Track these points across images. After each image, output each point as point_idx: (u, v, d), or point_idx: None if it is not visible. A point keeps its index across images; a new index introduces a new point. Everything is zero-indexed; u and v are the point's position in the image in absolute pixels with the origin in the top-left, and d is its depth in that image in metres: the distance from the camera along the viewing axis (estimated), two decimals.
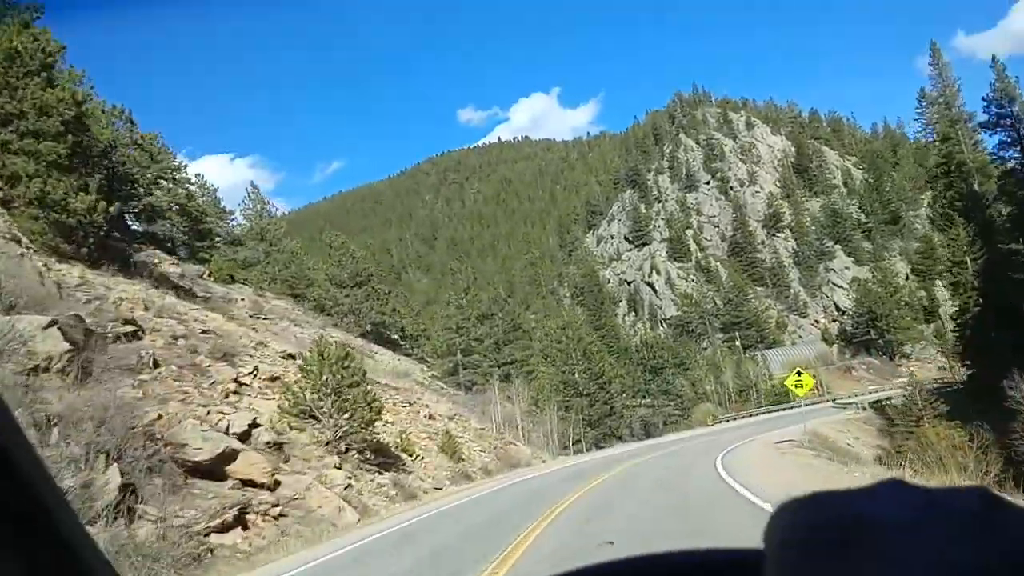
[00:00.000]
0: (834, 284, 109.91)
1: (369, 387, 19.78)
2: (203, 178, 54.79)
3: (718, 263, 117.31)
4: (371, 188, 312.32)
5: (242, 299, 40.71)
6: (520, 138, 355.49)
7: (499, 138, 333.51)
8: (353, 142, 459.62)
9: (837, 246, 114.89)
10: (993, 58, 33.17)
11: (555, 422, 41.19)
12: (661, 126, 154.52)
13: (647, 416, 64.38)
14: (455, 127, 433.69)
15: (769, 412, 67.36)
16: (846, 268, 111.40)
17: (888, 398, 62.86)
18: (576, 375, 43.87)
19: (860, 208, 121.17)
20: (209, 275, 43.68)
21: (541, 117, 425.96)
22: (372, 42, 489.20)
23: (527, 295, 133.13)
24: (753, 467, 17.39)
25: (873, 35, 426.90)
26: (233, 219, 59.62)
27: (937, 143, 40.10)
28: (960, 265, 36.26)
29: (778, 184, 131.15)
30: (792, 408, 72.35)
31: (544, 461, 32.45)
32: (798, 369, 25.85)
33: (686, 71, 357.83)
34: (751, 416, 64.58)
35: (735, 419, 63.08)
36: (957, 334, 54.64)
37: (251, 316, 35.02)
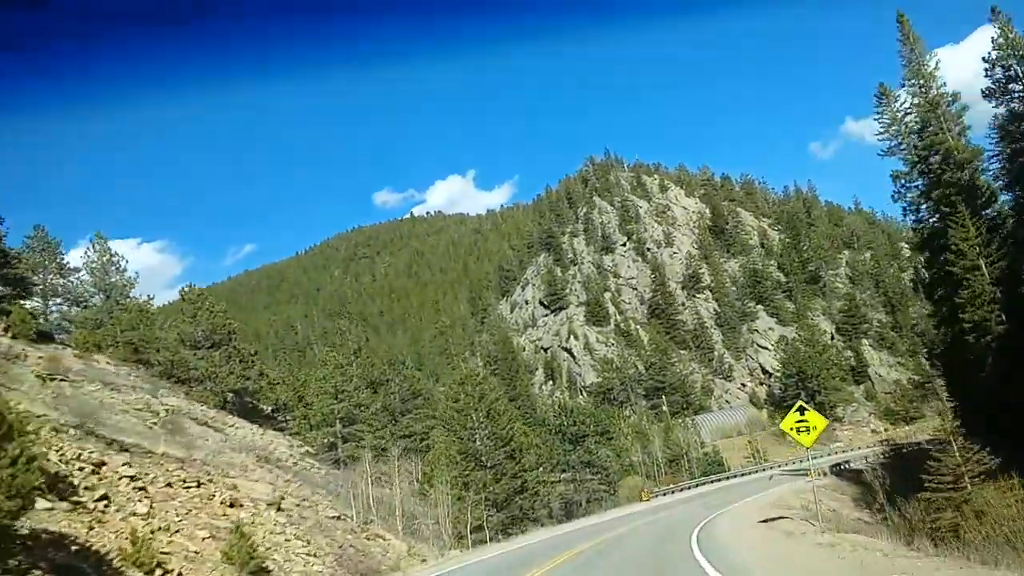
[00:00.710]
0: (759, 345, 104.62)
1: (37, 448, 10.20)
2: (43, 228, 44.70)
3: (638, 326, 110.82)
4: (276, 266, 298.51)
5: (40, 357, 30.25)
6: (433, 213, 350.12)
7: (411, 213, 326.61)
8: (267, 225, 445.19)
9: (759, 306, 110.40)
10: (993, 10, 27.00)
11: (449, 504, 31.55)
12: (575, 190, 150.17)
13: (568, 493, 55.00)
14: (371, 209, 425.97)
15: (705, 483, 59.11)
16: (770, 328, 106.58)
17: (845, 461, 55.78)
18: (478, 441, 34.43)
19: (779, 268, 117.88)
20: (6, 329, 33.16)
21: (457, 198, 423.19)
22: (286, 129, 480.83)
23: (437, 366, 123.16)
24: None
25: (774, 116, 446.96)
26: (77, 276, 48.90)
27: (912, 134, 32.98)
28: (974, 272, 28.83)
29: (695, 245, 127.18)
30: (731, 478, 64.65)
31: (424, 560, 22.79)
32: (800, 405, 17.47)
33: (597, 144, 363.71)
34: (688, 489, 56.15)
35: (671, 492, 54.42)
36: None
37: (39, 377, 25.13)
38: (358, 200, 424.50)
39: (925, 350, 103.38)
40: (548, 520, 45.69)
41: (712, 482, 58.79)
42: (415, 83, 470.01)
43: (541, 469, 53.45)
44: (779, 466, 66.21)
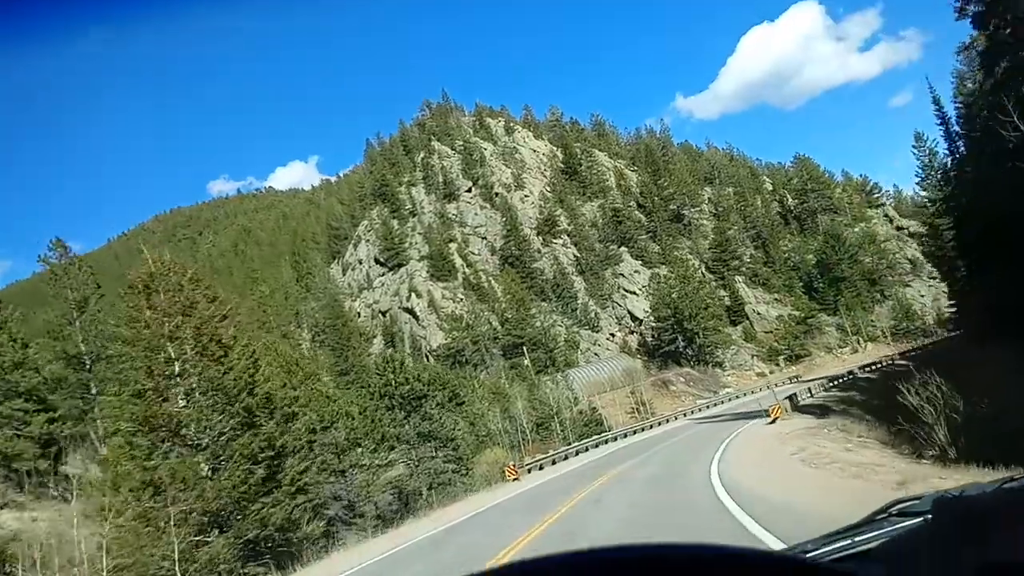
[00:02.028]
0: (626, 290, 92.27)
1: None
2: None
3: (490, 278, 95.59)
4: (86, 256, 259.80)
5: None
6: (264, 189, 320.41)
7: (238, 191, 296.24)
8: (97, 217, 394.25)
9: (623, 249, 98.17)
10: None
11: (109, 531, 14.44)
12: (411, 136, 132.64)
13: (402, 480, 38.72)
14: (204, 198, 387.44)
15: (591, 444, 44.24)
16: (636, 272, 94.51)
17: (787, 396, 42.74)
18: (180, 399, 17.36)
19: (640, 208, 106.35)
20: None
21: (300, 185, 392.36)
22: (111, 115, 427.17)
23: (252, 340, 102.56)
24: None
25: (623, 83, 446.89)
26: None
27: None
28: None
29: (548, 188, 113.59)
30: (621, 436, 50.46)
31: None
32: None
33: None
34: (569, 455, 40.99)
35: (551, 462, 38.99)
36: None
37: None
38: (192, 190, 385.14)
39: (801, 284, 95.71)
40: (365, 524, 29.15)
41: (597, 442, 44.11)
42: (248, 63, 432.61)
43: (361, 450, 37.22)
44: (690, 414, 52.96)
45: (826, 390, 46.36)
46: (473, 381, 61.79)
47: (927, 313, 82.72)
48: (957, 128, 39.62)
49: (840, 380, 51.03)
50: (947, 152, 42.97)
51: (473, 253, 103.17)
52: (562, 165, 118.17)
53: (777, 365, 79.88)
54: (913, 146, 49.10)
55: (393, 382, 41.20)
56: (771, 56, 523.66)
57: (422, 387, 41.53)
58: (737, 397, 59.59)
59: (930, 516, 1.71)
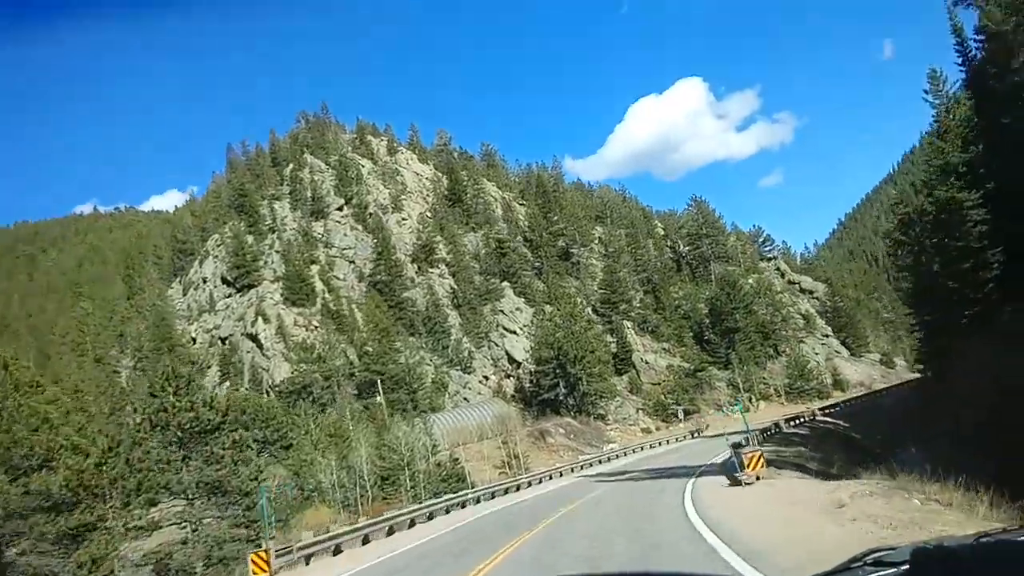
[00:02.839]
0: (505, 329, 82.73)
1: None
2: None
3: (354, 305, 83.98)
4: None
5: None
6: (124, 208, 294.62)
7: (95, 207, 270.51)
8: None
9: (505, 284, 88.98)
10: None
11: None
12: (282, 148, 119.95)
13: (168, 552, 26.73)
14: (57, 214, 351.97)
15: (450, 503, 33.26)
16: (518, 310, 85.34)
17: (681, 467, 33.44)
18: None
19: (528, 243, 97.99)
20: None
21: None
22: None
23: (66, 365, 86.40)
24: None
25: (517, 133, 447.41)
26: None
27: None
28: None
29: (430, 214, 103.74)
30: (487, 496, 39.40)
31: None
32: None
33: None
34: (416, 517, 29.71)
35: (388, 529, 27.55)
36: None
37: None
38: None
39: (692, 334, 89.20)
40: None
41: (448, 507, 33.12)
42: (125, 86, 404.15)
43: (107, 504, 25.74)
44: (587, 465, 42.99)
45: (760, 443, 37.94)
46: (308, 420, 49.87)
47: (822, 372, 77.55)
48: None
49: (769, 433, 42.98)
50: (967, 95, 34.01)
51: (337, 277, 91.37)
52: (446, 191, 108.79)
53: (665, 421, 71.97)
54: (926, 90, 37.94)
55: (172, 406, 29.32)
56: (657, 127, 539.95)
57: (213, 417, 29.82)
58: (625, 454, 50.52)
59: (907, 567, 1.73)
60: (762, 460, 18.74)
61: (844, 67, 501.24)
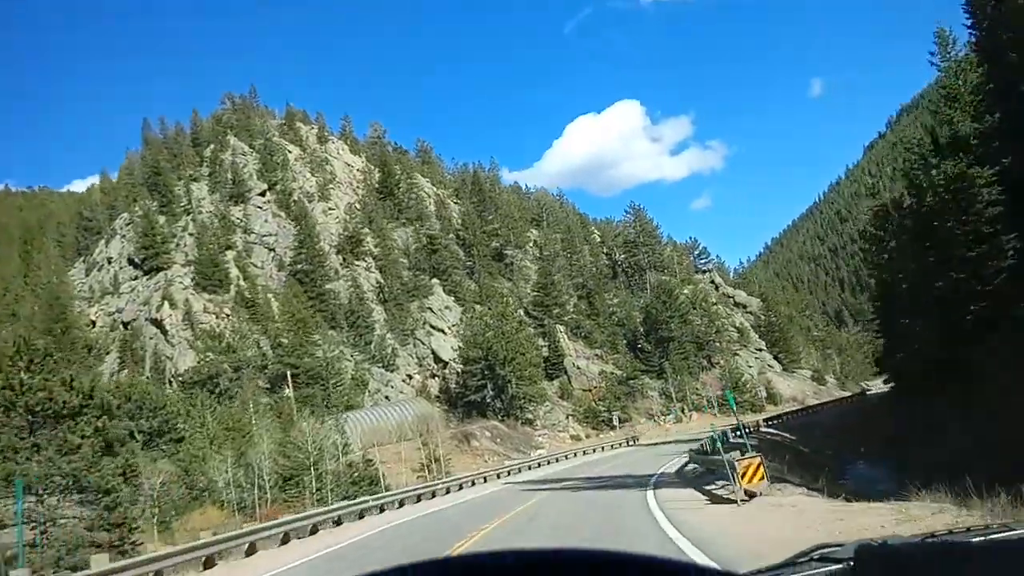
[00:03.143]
0: (433, 327, 78.54)
1: None
2: None
3: (271, 295, 78.50)
4: None
5: None
6: (38, 188, 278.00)
7: (6, 185, 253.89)
8: None
9: (435, 281, 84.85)
10: None
11: None
12: (204, 128, 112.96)
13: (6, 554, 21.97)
14: None
15: (344, 509, 28.77)
16: (447, 308, 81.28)
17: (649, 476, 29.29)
18: None
19: (460, 242, 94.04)
20: None
21: None
22: None
23: None
24: None
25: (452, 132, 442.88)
26: None
27: None
28: None
29: (359, 206, 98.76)
30: (407, 500, 34.60)
31: None
32: None
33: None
34: (320, 523, 25.21)
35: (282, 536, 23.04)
36: None
37: None
38: None
39: (626, 341, 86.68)
40: None
41: (362, 509, 28.73)
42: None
43: None
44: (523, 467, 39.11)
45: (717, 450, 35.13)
46: (204, 411, 44.70)
47: (756, 386, 76.00)
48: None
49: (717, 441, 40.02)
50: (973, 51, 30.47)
51: (255, 265, 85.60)
52: (378, 184, 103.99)
53: (595, 429, 68.94)
54: (932, 52, 35.09)
55: (20, 384, 24.38)
56: (593, 145, 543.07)
57: (72, 399, 24.94)
58: (556, 461, 46.99)
59: (852, 563, 1.75)
60: (762, 470, 14.83)
61: (775, 101, 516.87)
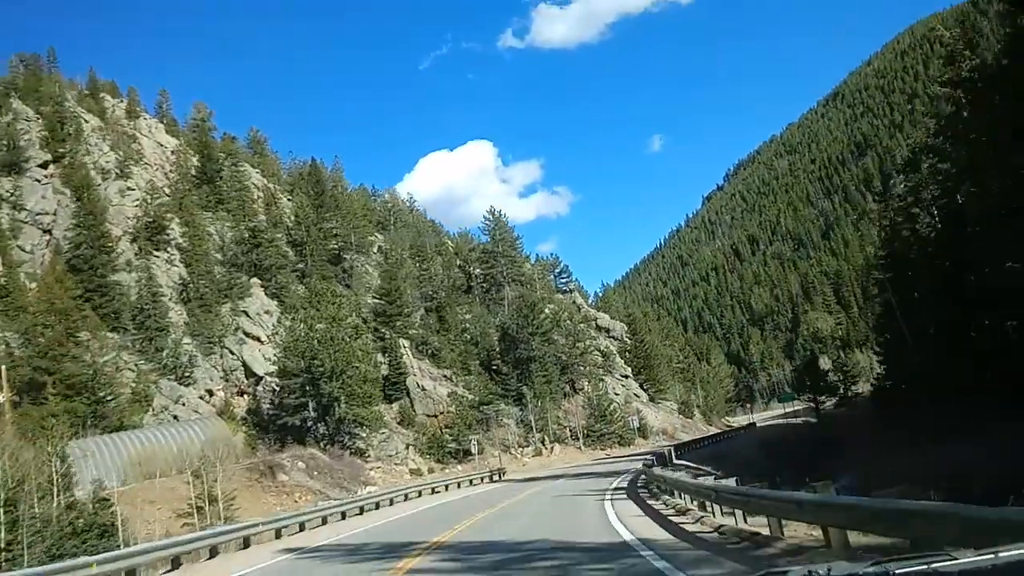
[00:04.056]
0: (247, 334, 64.21)
1: None
2: None
3: (30, 281, 61.23)
4: None
5: None
6: None
7: None
8: None
9: (255, 280, 70.57)
10: None
11: None
12: None
13: None
14: None
15: None
16: (267, 312, 67.12)
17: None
18: None
19: (291, 241, 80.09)
20: None
21: None
22: None
23: None
24: None
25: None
26: None
27: None
28: None
29: (168, 190, 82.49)
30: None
31: None
32: None
33: None
34: None
35: None
36: None
37: None
38: None
39: (479, 362, 75.70)
40: None
41: None
42: None
43: None
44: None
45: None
46: None
47: (625, 415, 67.19)
48: None
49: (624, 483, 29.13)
50: None
51: (22, 248, 67.65)
52: (196, 169, 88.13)
53: (440, 462, 57.21)
54: None
55: None
56: (444, 181, 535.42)
57: None
58: (391, 503, 34.33)
59: None
60: None
61: (618, 153, 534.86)
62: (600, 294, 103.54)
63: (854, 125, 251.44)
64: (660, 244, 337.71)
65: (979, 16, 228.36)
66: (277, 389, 55.87)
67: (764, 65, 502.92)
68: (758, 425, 55.68)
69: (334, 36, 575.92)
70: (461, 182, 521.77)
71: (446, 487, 39.36)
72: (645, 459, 34.36)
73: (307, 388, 52.15)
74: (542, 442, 61.46)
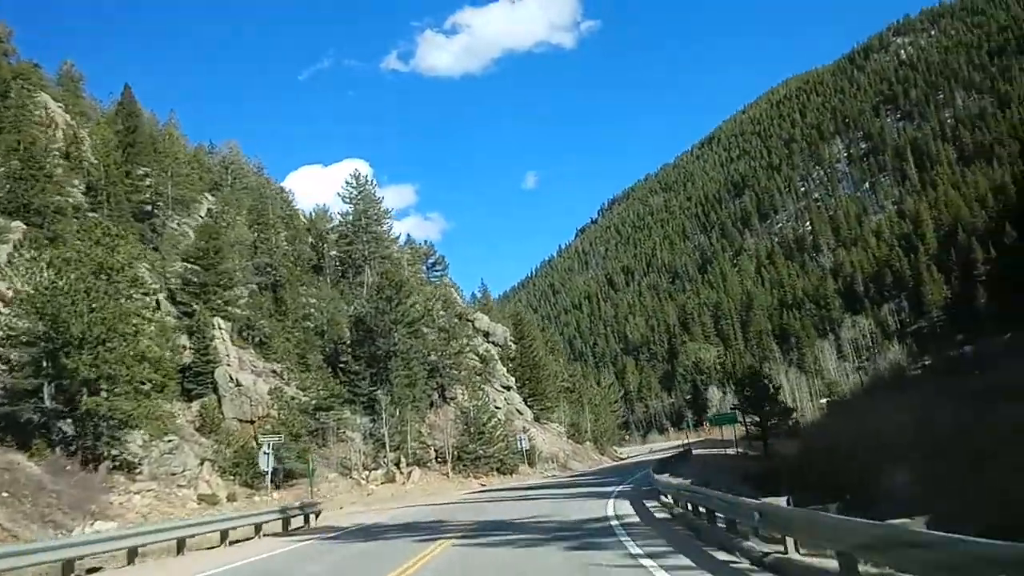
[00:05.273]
0: None
1: None
2: None
3: None
4: None
5: None
6: None
7: None
8: None
9: (16, 224, 50.87)
10: None
11: None
12: None
13: None
14: None
15: None
16: (28, 258, 47.73)
17: None
18: None
19: (91, 191, 60.50)
20: None
21: None
22: None
23: None
24: None
25: None
26: None
27: None
28: None
29: None
30: None
31: None
32: None
33: None
34: None
35: None
36: None
37: None
38: None
39: (324, 356, 58.20)
40: None
41: None
42: None
43: None
44: None
45: None
46: None
47: (508, 436, 52.31)
48: None
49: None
50: None
51: None
52: None
53: (249, 485, 39.98)
54: None
55: None
56: (315, 196, 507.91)
57: None
58: (128, 562, 17.32)
59: None
60: None
61: (492, 186, 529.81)
62: (479, 295, 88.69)
63: (731, 166, 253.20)
64: (531, 272, 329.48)
65: (856, 71, 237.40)
66: (4, 364, 37.05)
67: (640, 109, 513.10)
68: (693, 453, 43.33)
69: (207, 34, 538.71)
70: (332, 198, 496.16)
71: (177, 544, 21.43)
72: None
73: (47, 359, 33.94)
74: (397, 464, 45.40)
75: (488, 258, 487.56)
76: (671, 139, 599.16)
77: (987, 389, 34.24)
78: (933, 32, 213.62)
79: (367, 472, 43.90)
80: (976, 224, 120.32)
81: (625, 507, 22.08)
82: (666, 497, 21.70)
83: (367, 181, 69.03)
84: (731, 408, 62.16)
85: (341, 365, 53.33)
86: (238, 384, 47.05)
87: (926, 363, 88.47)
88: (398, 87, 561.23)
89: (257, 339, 54.42)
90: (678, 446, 76.52)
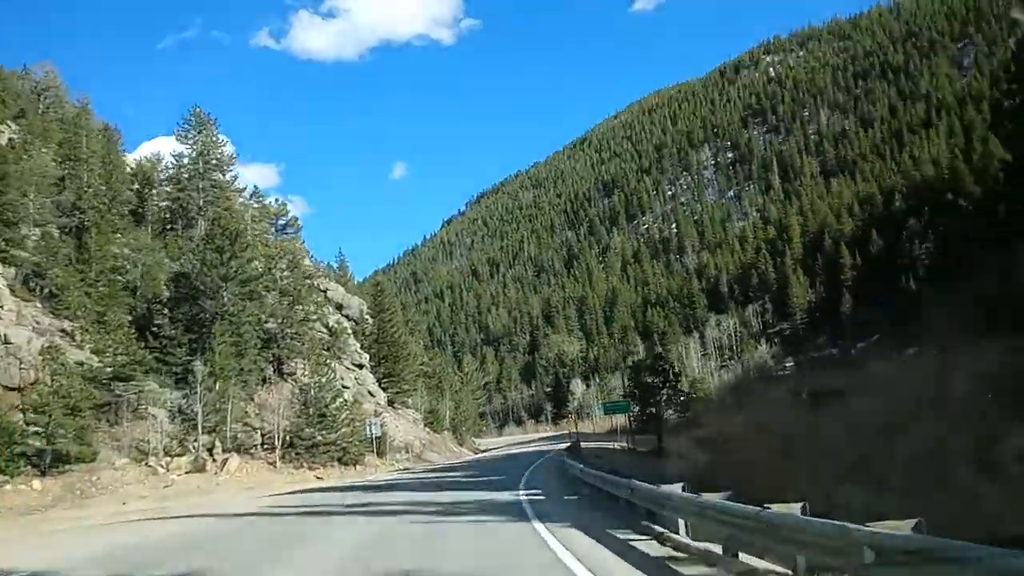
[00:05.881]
0: None
1: None
2: None
3: None
4: None
5: None
6: None
7: None
8: None
9: None
10: None
11: None
12: None
13: None
14: None
15: None
16: None
17: None
18: None
19: None
20: None
21: None
22: None
23: None
24: None
25: None
26: None
27: None
28: None
29: None
30: None
31: None
32: None
33: None
34: None
35: None
36: None
37: None
38: None
39: (131, 315, 47.77)
40: None
41: None
42: None
43: None
44: None
45: None
46: None
47: (355, 421, 44.47)
48: None
49: None
50: None
51: None
52: None
53: (2, 472, 30.14)
54: None
55: None
56: (167, 171, 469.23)
57: None
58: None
59: None
60: None
61: (361, 174, 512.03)
62: (336, 267, 79.27)
63: (601, 167, 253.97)
64: (394, 260, 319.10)
65: (727, 84, 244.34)
66: None
67: (515, 108, 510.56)
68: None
69: None
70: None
71: None
72: None
73: None
74: (210, 450, 36.68)
75: (349, 247, 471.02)
76: (544, 139, 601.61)
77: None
78: (802, 53, 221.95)
79: (169, 459, 34.94)
80: (843, 231, 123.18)
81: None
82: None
83: (208, 119, 58.80)
84: (621, 397, 57.90)
85: (154, 328, 43.63)
86: (6, 342, 36.67)
87: (788, 364, 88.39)
88: (268, 65, 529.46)
89: (48, 290, 43.79)
90: (545, 438, 71.45)
